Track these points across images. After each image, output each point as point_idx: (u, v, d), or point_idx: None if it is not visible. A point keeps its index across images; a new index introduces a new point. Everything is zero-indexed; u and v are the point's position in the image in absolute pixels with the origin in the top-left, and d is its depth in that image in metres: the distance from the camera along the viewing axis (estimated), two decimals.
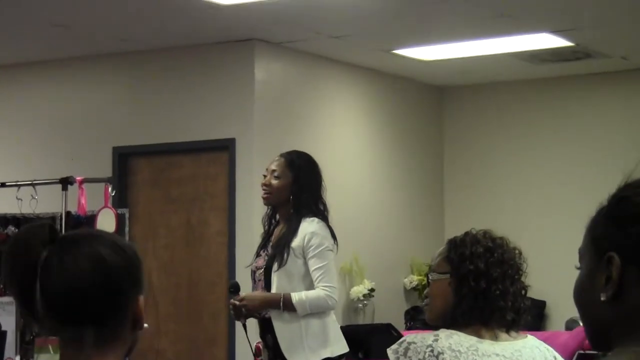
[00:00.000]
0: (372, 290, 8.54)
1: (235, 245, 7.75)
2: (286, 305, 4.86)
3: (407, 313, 9.03)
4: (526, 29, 7.66)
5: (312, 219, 4.94)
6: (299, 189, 4.97)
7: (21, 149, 8.62)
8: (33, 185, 6.19)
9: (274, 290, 4.94)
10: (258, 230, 7.70)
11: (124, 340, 1.87)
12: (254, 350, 5.32)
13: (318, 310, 4.90)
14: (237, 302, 4.99)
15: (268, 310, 4.96)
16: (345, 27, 7.58)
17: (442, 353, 2.77)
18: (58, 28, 7.47)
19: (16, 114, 8.67)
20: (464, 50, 8.27)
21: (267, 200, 5.10)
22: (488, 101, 9.65)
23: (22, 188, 6.23)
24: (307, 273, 4.92)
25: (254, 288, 5.13)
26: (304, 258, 4.91)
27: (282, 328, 4.91)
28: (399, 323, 8.69)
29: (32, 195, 6.00)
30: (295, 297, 4.86)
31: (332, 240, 4.97)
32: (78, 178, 6.10)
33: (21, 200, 6.08)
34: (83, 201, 5.87)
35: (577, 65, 8.77)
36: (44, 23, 7.36)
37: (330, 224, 5.02)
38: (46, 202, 5.99)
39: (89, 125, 8.38)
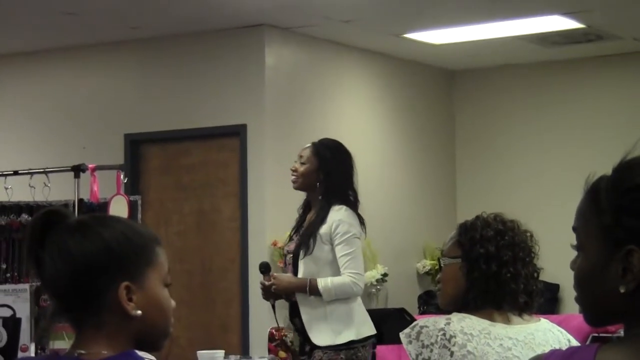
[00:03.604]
0: (385, 275, 8.54)
1: (248, 231, 7.76)
2: (312, 290, 4.98)
3: (420, 298, 9.04)
4: (536, 11, 7.63)
5: (340, 206, 5.05)
6: (326, 175, 5.09)
7: (33, 137, 8.64)
8: (46, 172, 6.19)
9: (300, 276, 5.07)
10: (270, 216, 7.77)
11: (114, 327, 1.87)
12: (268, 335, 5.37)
13: (344, 296, 5.01)
14: (267, 283, 5.13)
15: (294, 294, 5.09)
16: (355, 12, 7.57)
17: (455, 336, 2.77)
18: (68, 16, 7.48)
19: (28, 102, 8.68)
20: (474, 33, 8.25)
21: (294, 185, 5.23)
22: (499, 84, 9.63)
23: (34, 176, 6.24)
24: (334, 259, 5.03)
25: (285, 270, 5.32)
26: (331, 245, 5.01)
27: (308, 311, 5.03)
28: (412, 308, 8.70)
29: (44, 183, 6.01)
30: (322, 282, 4.97)
31: (359, 228, 5.08)
32: (90, 165, 6.11)
33: (34, 188, 6.10)
34: (95, 188, 5.88)
35: (588, 48, 8.74)
36: (54, 11, 7.37)
37: (360, 211, 5.13)
38: (59, 190, 6.00)
39: (100, 113, 8.39)
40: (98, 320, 1.86)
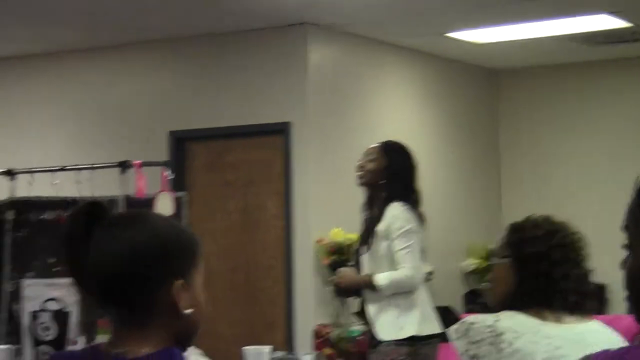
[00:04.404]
0: (430, 273, 8.51)
1: (292, 229, 7.77)
2: (372, 285, 5.14)
3: (465, 296, 9.02)
4: (583, 10, 7.57)
5: (398, 203, 5.20)
6: (391, 173, 5.26)
7: (81, 134, 8.70)
8: (92, 169, 6.25)
9: (364, 272, 5.25)
10: (314, 214, 7.77)
11: (162, 325, 1.84)
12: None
13: (402, 290, 5.15)
14: (335, 280, 5.42)
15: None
16: (399, 10, 7.55)
17: (503, 333, 2.77)
18: (115, 14, 7.53)
19: (75, 99, 8.75)
20: (519, 32, 8.20)
21: (360, 181, 5.36)
22: (544, 84, 9.57)
23: (81, 172, 6.30)
24: (391, 255, 5.17)
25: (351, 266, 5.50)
26: (389, 240, 5.15)
27: (373, 306, 5.18)
28: (458, 306, 8.69)
29: (91, 179, 6.06)
30: (380, 277, 5.13)
31: (415, 223, 5.22)
32: (136, 162, 6.16)
33: (81, 183, 6.15)
34: (141, 184, 5.92)
35: (634, 47, 8.66)
36: (102, 9, 7.42)
37: (421, 209, 5.30)
38: (105, 186, 6.05)
39: (146, 110, 8.44)
40: (145, 317, 1.83)
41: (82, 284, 1.86)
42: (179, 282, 1.84)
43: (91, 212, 1.86)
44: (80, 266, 1.84)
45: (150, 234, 1.85)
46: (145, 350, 1.81)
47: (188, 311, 1.84)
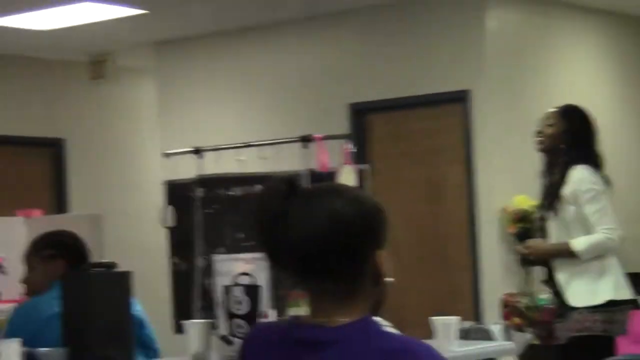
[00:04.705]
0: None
1: (474, 198, 7.71)
2: (569, 252, 5.05)
3: None
4: None
5: (581, 166, 5.11)
6: (571, 138, 5.17)
7: (262, 110, 8.85)
8: (275, 144, 6.36)
9: (552, 239, 5.17)
10: (498, 182, 7.69)
11: (365, 295, 1.87)
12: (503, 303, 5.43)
13: (600, 253, 5.07)
14: (524, 251, 5.34)
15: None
16: None
17: None
18: None
19: (256, 75, 8.89)
20: None
21: (539, 147, 5.30)
22: None
23: (265, 147, 6.42)
24: (582, 219, 5.08)
25: (539, 236, 5.35)
26: (577, 205, 5.07)
27: (564, 273, 5.10)
28: None
29: (274, 154, 6.16)
30: (577, 242, 5.05)
31: (601, 184, 5.13)
32: (317, 136, 6.22)
33: (265, 159, 6.27)
34: (324, 158, 5.97)
35: None
36: None
37: (605, 172, 5.21)
38: (287, 161, 6.14)
39: (325, 84, 8.51)
40: (350, 287, 1.86)
41: (278, 258, 1.89)
42: (381, 252, 1.87)
43: (286, 187, 1.88)
44: (276, 241, 1.87)
45: (355, 205, 1.87)
46: (345, 319, 1.84)
47: (389, 280, 1.86)
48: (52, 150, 9.94)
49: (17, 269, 4.55)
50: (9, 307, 4.56)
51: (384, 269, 1.88)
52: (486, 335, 6.55)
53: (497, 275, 7.55)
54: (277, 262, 1.90)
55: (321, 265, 1.86)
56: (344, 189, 1.93)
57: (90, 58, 9.54)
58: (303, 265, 1.86)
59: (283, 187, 1.88)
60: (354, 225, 1.85)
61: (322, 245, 1.84)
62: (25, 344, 3.55)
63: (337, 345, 1.82)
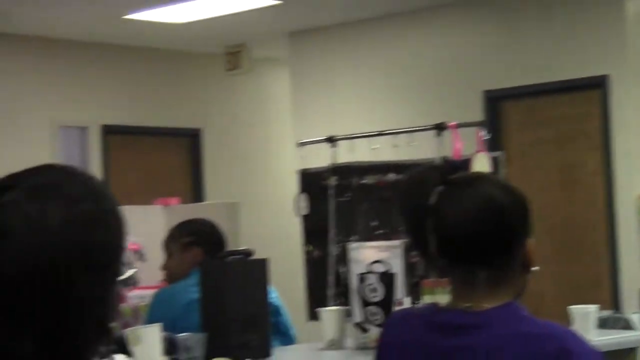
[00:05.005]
0: None
1: (612, 185, 7.55)
2: None
3: None
4: None
5: None
6: None
7: (396, 98, 8.84)
8: (409, 132, 6.35)
9: None
10: (636, 169, 7.51)
11: (513, 282, 1.88)
12: None
13: None
14: None
15: None
16: None
17: None
18: None
19: (391, 64, 8.88)
20: None
21: None
22: None
23: (398, 135, 6.41)
24: None
25: None
26: None
27: None
28: None
29: (408, 142, 6.15)
30: None
31: None
32: (451, 123, 6.18)
33: (398, 147, 6.26)
34: (458, 146, 5.93)
35: None
36: None
37: None
38: (421, 149, 6.12)
39: (459, 71, 8.45)
40: (500, 274, 1.88)
41: (426, 245, 1.91)
42: (531, 240, 1.89)
43: (438, 174, 1.91)
44: (427, 228, 1.89)
45: (508, 193, 1.90)
46: (489, 305, 1.84)
47: (535, 268, 1.87)
48: (190, 141, 10.13)
49: (156, 256, 4.65)
50: (148, 293, 4.67)
51: (533, 257, 1.88)
52: (626, 324, 6.41)
53: (636, 263, 7.39)
54: (425, 249, 1.92)
55: (474, 252, 1.87)
56: (492, 177, 1.95)
57: (225, 49, 9.68)
58: (456, 251, 1.88)
59: (434, 175, 1.90)
60: (509, 212, 1.86)
61: (477, 231, 1.86)
62: (164, 329, 3.63)
63: (483, 330, 1.83)
